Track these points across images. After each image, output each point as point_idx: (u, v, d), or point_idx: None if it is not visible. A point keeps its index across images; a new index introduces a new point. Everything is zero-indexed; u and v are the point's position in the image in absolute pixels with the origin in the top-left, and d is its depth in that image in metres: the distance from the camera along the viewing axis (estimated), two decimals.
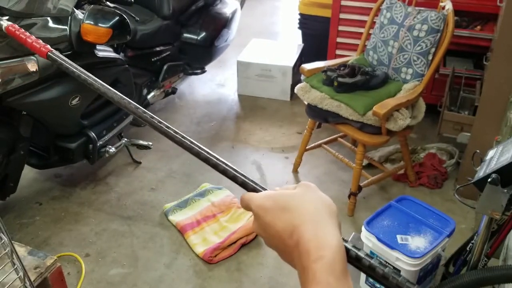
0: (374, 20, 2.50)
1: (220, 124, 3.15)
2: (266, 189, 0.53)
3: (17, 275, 1.24)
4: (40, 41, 0.65)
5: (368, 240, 1.72)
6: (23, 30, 0.71)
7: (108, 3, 2.17)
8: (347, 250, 0.44)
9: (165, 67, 2.88)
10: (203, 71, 3.23)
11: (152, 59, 2.79)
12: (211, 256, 2.06)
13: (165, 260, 2.09)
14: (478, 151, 1.54)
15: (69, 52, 2.04)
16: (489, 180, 1.25)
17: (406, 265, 1.62)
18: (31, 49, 0.68)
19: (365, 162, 2.57)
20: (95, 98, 2.29)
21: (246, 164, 2.73)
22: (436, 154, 2.69)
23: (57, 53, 0.61)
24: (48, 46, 0.62)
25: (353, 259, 0.45)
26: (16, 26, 0.72)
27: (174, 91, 3.10)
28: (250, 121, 3.18)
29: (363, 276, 1.82)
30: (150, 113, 0.59)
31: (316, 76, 2.41)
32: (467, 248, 1.68)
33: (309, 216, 0.43)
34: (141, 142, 2.67)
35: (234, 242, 2.13)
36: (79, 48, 2.07)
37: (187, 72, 3.15)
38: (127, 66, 2.45)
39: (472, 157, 1.53)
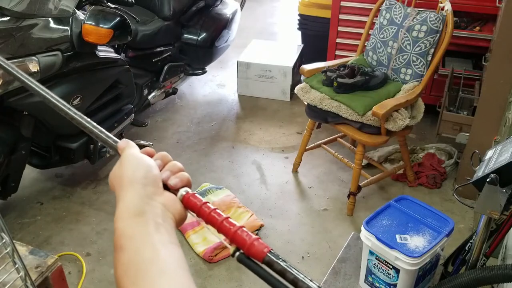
0: (374, 21, 2.51)
1: (220, 124, 3.16)
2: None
3: (18, 274, 1.25)
4: (253, 236, 0.48)
5: (368, 240, 1.73)
6: (213, 208, 0.52)
7: (109, 4, 2.18)
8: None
9: (165, 67, 2.89)
10: (204, 72, 3.24)
11: (153, 60, 2.80)
12: (211, 256, 2.07)
13: None
14: (476, 151, 1.55)
15: (71, 53, 2.05)
16: (487, 180, 1.26)
17: (405, 265, 1.63)
18: (234, 242, 0.49)
19: (364, 162, 2.58)
20: (96, 98, 2.30)
21: (246, 164, 2.74)
22: (435, 154, 2.70)
23: (275, 253, 0.46)
24: (266, 246, 0.47)
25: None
26: (199, 197, 0.54)
27: (174, 92, 3.11)
28: (250, 121, 3.19)
29: (362, 275, 1.83)
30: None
31: (316, 76, 2.43)
32: (466, 248, 1.69)
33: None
34: (141, 142, 2.68)
35: None
36: (80, 49, 2.08)
37: (188, 72, 3.16)
38: (128, 66, 2.46)
39: (471, 157, 1.54)
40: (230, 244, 0.49)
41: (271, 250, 0.46)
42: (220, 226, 0.50)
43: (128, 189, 0.51)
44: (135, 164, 0.54)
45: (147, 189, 0.51)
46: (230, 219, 0.50)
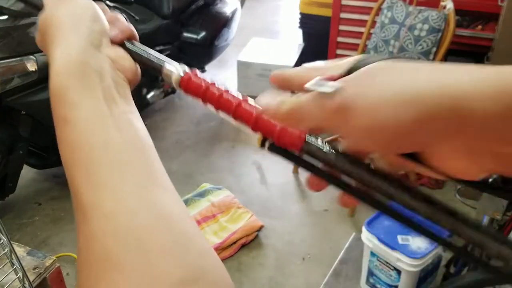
0: (375, 20, 2.50)
1: (220, 124, 3.14)
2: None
3: (16, 275, 1.23)
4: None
5: (369, 241, 1.72)
6: (225, 89, 0.38)
7: (107, 2, 2.16)
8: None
9: None
10: (203, 71, 3.22)
11: None
12: None
13: None
14: None
15: None
16: (489, 180, 1.24)
17: (407, 266, 1.62)
18: (259, 130, 0.36)
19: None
20: None
21: (246, 164, 2.73)
22: None
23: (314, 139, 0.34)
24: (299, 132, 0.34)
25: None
26: (202, 77, 0.40)
27: (174, 91, 3.10)
28: None
29: (363, 276, 1.81)
30: None
31: None
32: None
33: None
34: None
35: (234, 243, 2.12)
36: None
37: None
38: None
39: None
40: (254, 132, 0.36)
41: (307, 136, 0.33)
42: (235, 112, 0.37)
43: (69, 32, 0.40)
44: (82, 3, 0.42)
45: (94, 36, 0.40)
46: (248, 102, 0.36)
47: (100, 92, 0.37)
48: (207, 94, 0.38)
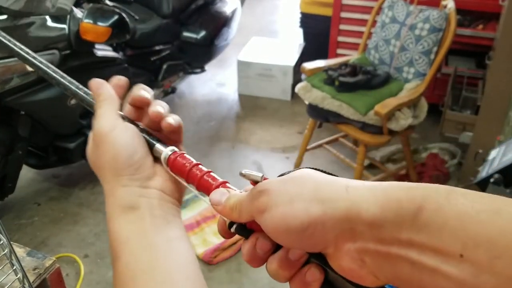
0: (376, 19, 2.49)
1: (220, 124, 3.13)
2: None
3: (16, 276, 1.22)
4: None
5: None
6: (207, 170, 0.43)
7: (107, 1, 2.15)
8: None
9: (164, 66, 2.86)
10: (203, 70, 3.21)
11: (152, 58, 2.77)
12: (211, 257, 2.05)
13: None
14: (480, 151, 1.52)
15: (68, 51, 2.03)
16: (491, 180, 1.23)
17: None
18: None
19: (366, 162, 2.55)
20: None
21: (246, 164, 2.72)
22: (438, 155, 2.67)
23: None
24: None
25: None
26: (189, 157, 0.45)
27: (173, 91, 3.09)
28: (250, 121, 3.16)
29: None
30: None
31: (317, 75, 2.40)
32: None
33: None
34: None
35: (235, 243, 2.11)
36: (78, 47, 2.06)
37: (187, 71, 3.13)
38: (126, 65, 2.43)
39: (474, 157, 1.52)
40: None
41: None
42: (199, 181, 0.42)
43: (113, 183, 0.42)
44: (114, 149, 0.43)
45: (137, 178, 0.42)
46: (227, 184, 0.41)
47: (148, 225, 0.40)
48: (190, 175, 0.42)
